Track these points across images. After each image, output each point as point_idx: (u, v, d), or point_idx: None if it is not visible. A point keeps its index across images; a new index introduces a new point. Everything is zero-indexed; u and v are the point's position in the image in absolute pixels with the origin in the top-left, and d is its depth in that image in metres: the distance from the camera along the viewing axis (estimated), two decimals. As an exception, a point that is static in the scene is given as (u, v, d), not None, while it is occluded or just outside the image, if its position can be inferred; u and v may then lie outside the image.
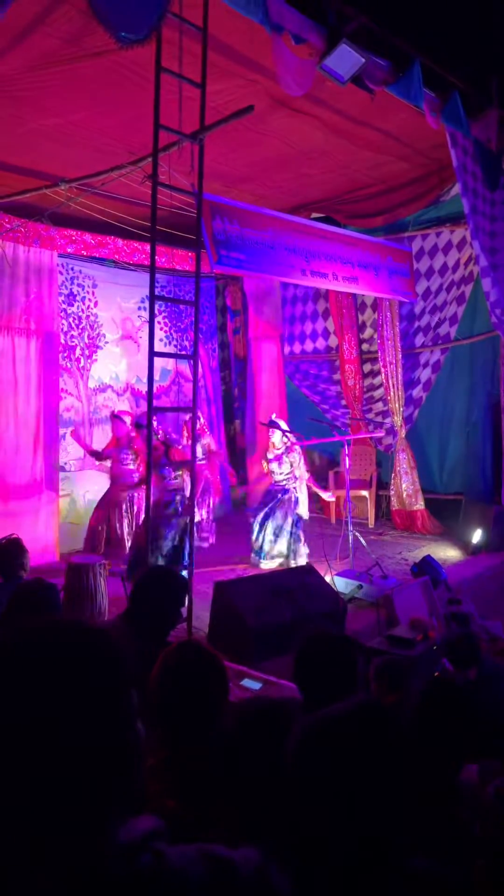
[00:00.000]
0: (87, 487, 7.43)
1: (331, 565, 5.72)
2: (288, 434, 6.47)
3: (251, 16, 3.69)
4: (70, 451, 7.22)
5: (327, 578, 5.19)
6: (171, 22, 3.53)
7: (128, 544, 6.12)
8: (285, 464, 6.36)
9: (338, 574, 5.58)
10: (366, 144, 5.91)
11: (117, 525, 6.28)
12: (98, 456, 6.54)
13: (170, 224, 4.99)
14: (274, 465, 6.40)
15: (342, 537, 6.32)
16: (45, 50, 3.85)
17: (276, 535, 6.27)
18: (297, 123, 5.36)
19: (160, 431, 5.85)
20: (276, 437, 6.42)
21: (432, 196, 6.97)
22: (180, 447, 5.96)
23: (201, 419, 6.97)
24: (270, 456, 6.47)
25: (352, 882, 0.93)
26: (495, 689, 3.15)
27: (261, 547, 6.25)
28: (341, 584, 5.37)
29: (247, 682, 3.16)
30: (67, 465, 7.23)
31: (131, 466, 6.34)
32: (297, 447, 6.42)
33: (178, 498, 5.60)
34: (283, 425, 6.60)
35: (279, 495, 6.34)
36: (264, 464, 6.55)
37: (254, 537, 6.31)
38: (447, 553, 6.79)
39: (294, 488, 6.38)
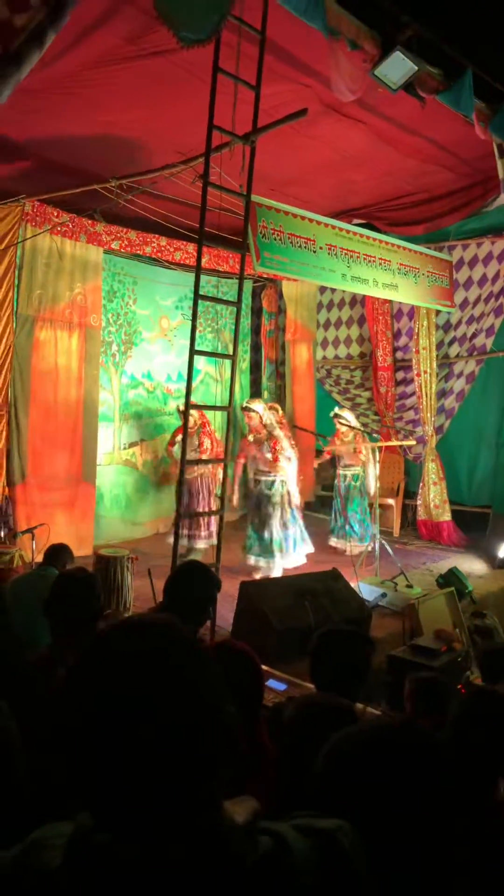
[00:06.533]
0: (114, 481, 7.50)
1: (356, 571, 5.71)
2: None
3: (310, 21, 3.70)
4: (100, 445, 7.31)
5: (352, 584, 5.18)
6: (230, 24, 3.57)
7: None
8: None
9: (363, 580, 5.57)
10: (412, 152, 5.90)
11: None
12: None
13: (214, 224, 5.02)
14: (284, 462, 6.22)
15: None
16: (106, 48, 3.91)
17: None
18: (345, 129, 5.37)
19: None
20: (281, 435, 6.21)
21: (475, 206, 6.94)
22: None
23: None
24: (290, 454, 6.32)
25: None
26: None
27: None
28: (366, 591, 5.36)
29: (272, 683, 3.18)
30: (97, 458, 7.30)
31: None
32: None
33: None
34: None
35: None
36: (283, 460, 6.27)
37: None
38: (472, 566, 6.73)
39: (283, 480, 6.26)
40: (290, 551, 6.16)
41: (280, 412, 7.26)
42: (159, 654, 0.79)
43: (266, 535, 6.06)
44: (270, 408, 6.91)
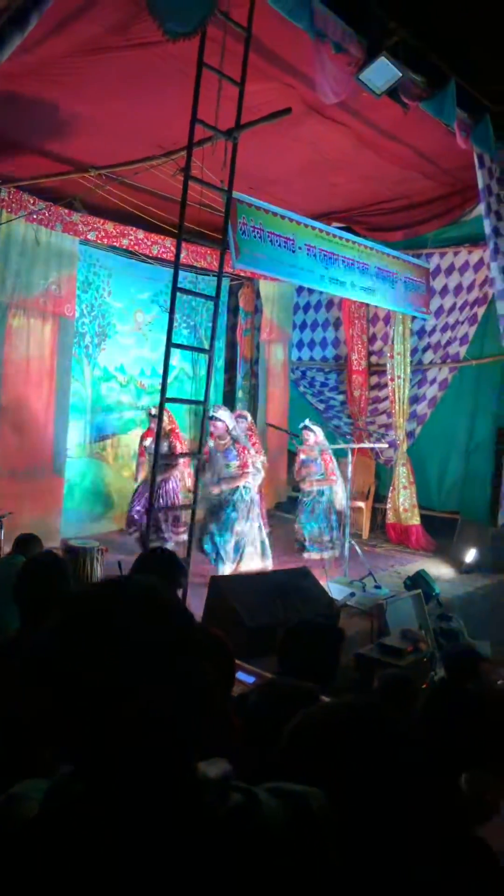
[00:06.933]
0: (84, 474, 7.44)
1: (326, 571, 5.74)
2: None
3: (296, 21, 3.72)
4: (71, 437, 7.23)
5: (321, 583, 5.21)
6: (216, 20, 3.57)
7: None
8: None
9: (332, 580, 5.60)
10: (393, 159, 5.96)
11: None
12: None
13: (193, 220, 5.02)
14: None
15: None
16: (89, 36, 3.87)
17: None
18: (327, 131, 5.41)
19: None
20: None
21: (454, 215, 7.04)
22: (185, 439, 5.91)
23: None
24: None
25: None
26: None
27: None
28: (335, 590, 5.40)
29: (241, 675, 3.18)
30: (67, 450, 7.22)
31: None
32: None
33: None
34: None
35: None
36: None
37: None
38: (440, 570, 6.81)
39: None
40: (241, 559, 5.96)
41: (249, 419, 7.09)
42: (148, 620, 0.76)
43: (217, 540, 5.86)
44: (239, 416, 6.77)
